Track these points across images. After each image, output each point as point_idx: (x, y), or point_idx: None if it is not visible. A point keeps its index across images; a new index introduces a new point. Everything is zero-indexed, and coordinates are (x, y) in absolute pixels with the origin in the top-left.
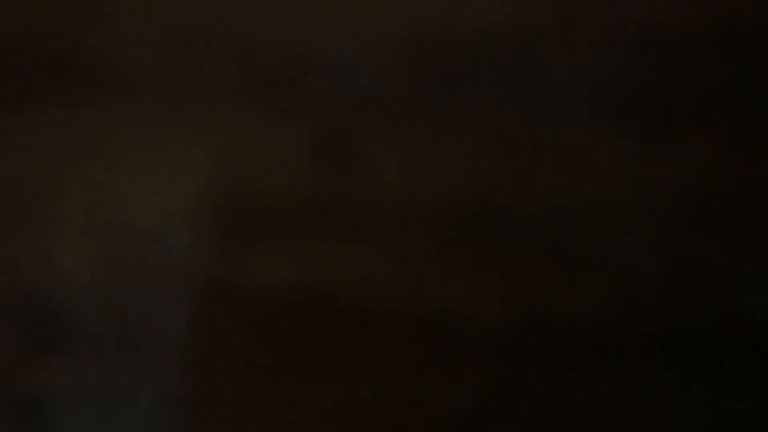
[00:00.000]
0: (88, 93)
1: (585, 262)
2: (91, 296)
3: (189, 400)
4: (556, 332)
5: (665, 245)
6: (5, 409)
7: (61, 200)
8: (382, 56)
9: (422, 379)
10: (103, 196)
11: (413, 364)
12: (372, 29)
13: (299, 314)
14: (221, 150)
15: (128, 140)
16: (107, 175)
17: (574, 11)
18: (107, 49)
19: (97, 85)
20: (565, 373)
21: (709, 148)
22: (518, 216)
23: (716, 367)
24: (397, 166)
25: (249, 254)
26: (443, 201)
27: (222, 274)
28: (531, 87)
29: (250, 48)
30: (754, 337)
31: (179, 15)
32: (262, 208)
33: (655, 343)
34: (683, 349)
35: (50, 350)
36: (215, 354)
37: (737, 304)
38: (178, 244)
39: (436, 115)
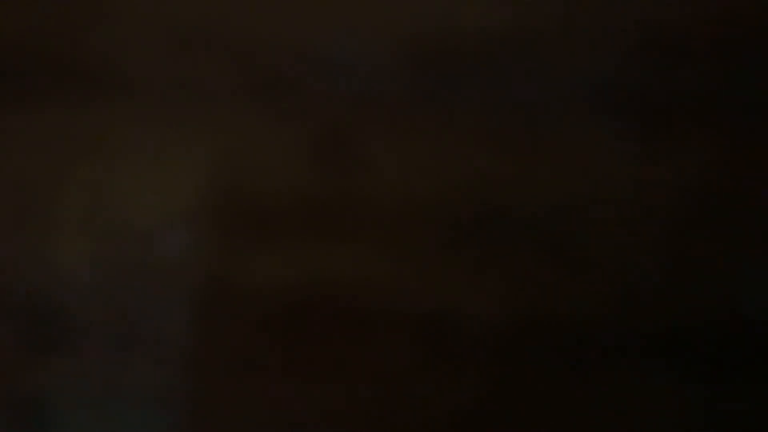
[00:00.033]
0: (88, 93)
1: (585, 262)
2: (91, 296)
3: (189, 400)
4: (556, 332)
5: (665, 245)
6: (5, 409)
7: (61, 200)
8: (382, 56)
9: (422, 379)
10: (103, 196)
11: (413, 364)
12: (372, 29)
13: (299, 314)
14: (221, 150)
15: (128, 140)
16: (107, 175)
17: (574, 11)
18: (107, 49)
19: (97, 85)
20: (565, 373)
21: (709, 148)
22: (518, 216)
23: (716, 367)
24: (397, 166)
25: (249, 254)
26: (443, 201)
27: (222, 274)
28: (531, 87)
29: (250, 48)
30: (754, 337)
31: (179, 15)
32: (262, 208)
33: (655, 343)
34: (683, 349)
35: (50, 350)
36: (215, 354)
37: (737, 304)
38: (178, 244)
39: (436, 115)
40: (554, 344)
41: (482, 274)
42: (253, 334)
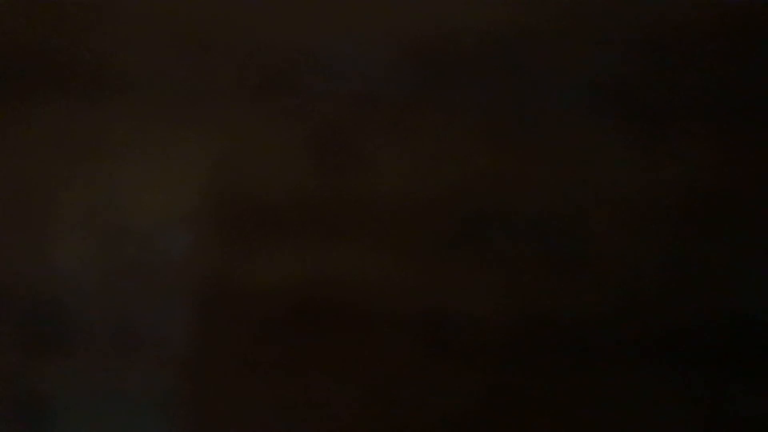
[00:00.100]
0: (88, 93)
1: (585, 263)
2: (91, 296)
3: (189, 400)
4: (556, 332)
5: (665, 245)
6: (5, 409)
7: (61, 200)
8: (382, 56)
9: (422, 379)
10: (103, 196)
11: (413, 364)
12: (372, 29)
13: (299, 314)
14: (221, 150)
15: (128, 140)
16: (107, 175)
17: (574, 11)
18: (107, 49)
19: (97, 85)
20: (565, 373)
21: (709, 148)
22: (518, 215)
23: (716, 367)
24: (397, 166)
25: (249, 254)
26: (443, 201)
27: (222, 273)
28: (531, 87)
29: (250, 48)
30: (754, 337)
31: (179, 15)
32: (262, 208)
33: (655, 343)
34: (683, 350)
35: (50, 350)
36: (216, 354)
37: (737, 305)
38: (179, 244)
39: (436, 115)
40: (554, 344)
41: (482, 274)
42: (253, 333)
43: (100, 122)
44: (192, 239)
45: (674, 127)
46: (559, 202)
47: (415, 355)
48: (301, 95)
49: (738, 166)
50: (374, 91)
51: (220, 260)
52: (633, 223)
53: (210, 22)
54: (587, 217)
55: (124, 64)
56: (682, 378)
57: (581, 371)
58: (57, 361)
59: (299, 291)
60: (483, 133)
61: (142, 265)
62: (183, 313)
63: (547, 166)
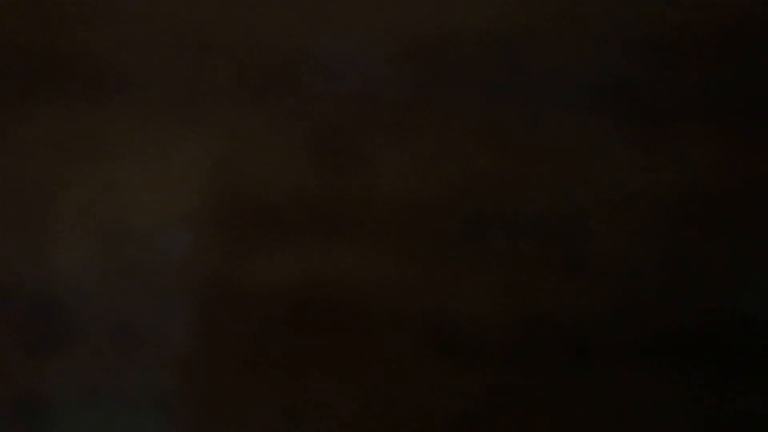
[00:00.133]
0: (88, 93)
1: (585, 263)
2: (91, 296)
3: (189, 400)
4: (556, 332)
5: (665, 245)
6: (5, 409)
7: (61, 200)
8: (382, 56)
9: (422, 379)
10: (103, 196)
11: (413, 364)
12: (372, 29)
13: (299, 314)
14: (221, 150)
15: (128, 140)
16: (107, 175)
17: (574, 11)
18: (107, 49)
19: (97, 85)
20: (565, 373)
21: (709, 148)
22: (518, 215)
23: (716, 367)
24: (397, 166)
25: (249, 254)
26: (443, 201)
27: (222, 273)
28: (531, 87)
29: (250, 48)
30: (754, 337)
31: (179, 15)
32: (262, 208)
33: (655, 344)
34: (683, 349)
35: (50, 350)
36: (215, 354)
37: (737, 305)
38: (178, 244)
39: (436, 115)
40: (554, 344)
41: (482, 274)
42: (253, 333)
43: (100, 122)
44: (192, 239)
45: (674, 127)
46: (559, 202)
47: (415, 355)
48: (301, 95)
49: (738, 166)
50: (374, 91)
51: (220, 260)
52: (633, 223)
53: (210, 22)
54: (587, 217)
55: (124, 64)
56: (682, 378)
57: (581, 371)
58: (57, 361)
59: (299, 291)
60: (483, 133)
61: (142, 265)
62: (183, 313)
63: (547, 166)
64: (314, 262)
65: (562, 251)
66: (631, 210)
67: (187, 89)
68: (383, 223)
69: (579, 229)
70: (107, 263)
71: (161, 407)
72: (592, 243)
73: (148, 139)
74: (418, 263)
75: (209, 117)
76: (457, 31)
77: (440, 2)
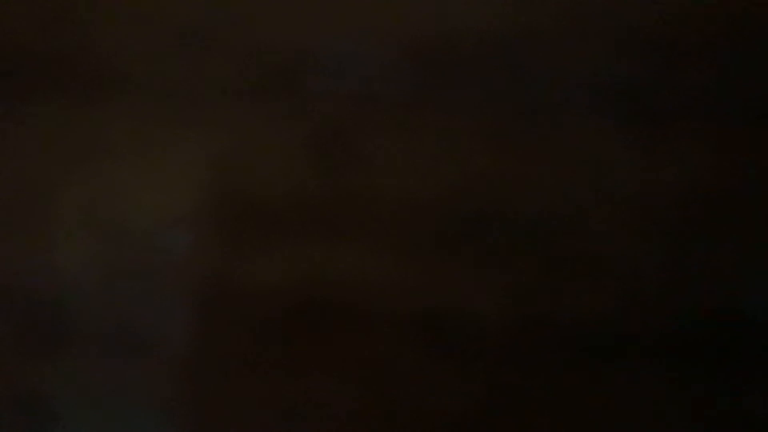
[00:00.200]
0: (88, 93)
1: (585, 263)
2: (91, 296)
3: (189, 400)
4: (556, 332)
5: (665, 245)
6: (5, 409)
7: (61, 200)
8: (382, 56)
9: (422, 379)
10: (103, 196)
11: (413, 364)
12: (372, 29)
13: (299, 314)
14: (221, 150)
15: (128, 140)
16: (107, 175)
17: (574, 11)
18: (107, 49)
19: (97, 85)
20: (565, 373)
21: (709, 148)
22: (518, 215)
23: (716, 367)
24: (397, 165)
25: (249, 254)
26: (443, 200)
27: (222, 273)
28: (531, 87)
29: (250, 48)
30: (754, 337)
31: (179, 15)
32: (262, 208)
33: (655, 343)
34: (683, 349)
35: (50, 350)
36: (215, 354)
37: (737, 305)
38: (179, 244)
39: (436, 115)
40: (554, 344)
41: (482, 274)
42: (253, 333)
43: (100, 122)
44: (192, 239)
45: (674, 128)
46: (559, 202)
47: (415, 355)
48: (301, 95)
49: (738, 166)
50: (374, 91)
51: (220, 260)
52: (633, 223)
53: (210, 22)
54: (587, 217)
55: (124, 64)
56: (682, 378)
57: (581, 371)
58: (57, 361)
59: (299, 291)
60: (483, 133)
61: (142, 265)
62: (183, 313)
63: (547, 166)
64: (314, 262)
65: (562, 251)
66: (631, 210)
67: (187, 89)
68: (383, 223)
69: (579, 229)
70: (107, 263)
71: (161, 407)
72: (592, 243)
73: (148, 139)
74: (418, 263)
75: (209, 117)
76: (457, 31)
77: (440, 2)
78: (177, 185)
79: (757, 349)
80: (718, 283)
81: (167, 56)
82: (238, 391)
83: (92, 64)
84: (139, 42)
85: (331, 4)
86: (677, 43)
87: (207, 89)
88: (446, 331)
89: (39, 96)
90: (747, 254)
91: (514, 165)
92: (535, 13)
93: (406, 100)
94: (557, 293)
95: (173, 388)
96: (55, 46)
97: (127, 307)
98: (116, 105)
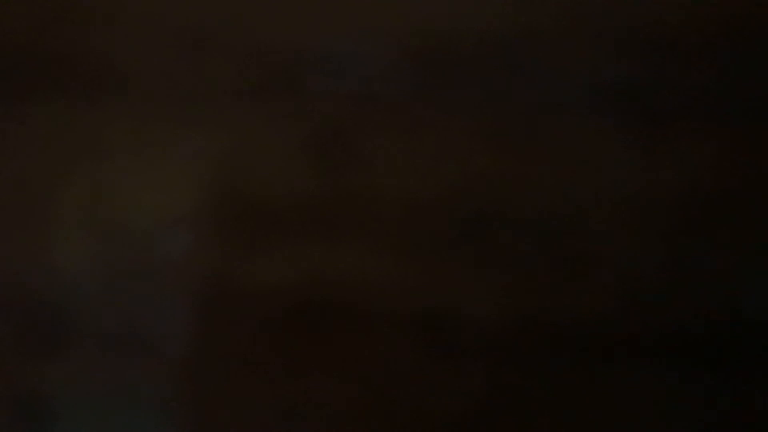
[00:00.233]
0: (88, 93)
1: (585, 262)
2: (91, 296)
3: (189, 400)
4: (556, 332)
5: (665, 245)
6: (5, 408)
7: (61, 200)
8: (382, 56)
9: (422, 379)
10: (103, 196)
11: (413, 364)
12: (372, 29)
13: (299, 314)
14: (221, 150)
15: (128, 140)
16: (107, 175)
17: (574, 11)
18: (107, 49)
19: (97, 85)
20: (565, 372)
21: (710, 148)
22: (518, 216)
23: (716, 367)
24: (397, 166)
25: (249, 254)
26: (443, 201)
27: (222, 274)
28: (531, 87)
29: (250, 48)
30: (754, 337)
31: (179, 15)
32: (262, 208)
33: (655, 344)
34: (683, 350)
35: (50, 350)
36: (215, 354)
37: (737, 305)
38: (179, 244)
39: (436, 114)
40: (554, 344)
41: (482, 274)
42: (253, 334)
43: (100, 122)
44: (192, 239)
45: (674, 128)
46: (559, 202)
47: (415, 355)
48: (301, 95)
49: (738, 166)
50: (374, 91)
51: (220, 260)
52: (633, 223)
53: (210, 22)
54: (587, 217)
55: (124, 64)
56: (682, 378)
57: (581, 371)
58: (57, 361)
59: (299, 291)
60: (483, 133)
61: (142, 265)
62: (183, 313)
63: (547, 166)
64: (314, 262)
65: (562, 251)
66: (631, 210)
67: (187, 89)
68: (383, 223)
69: (579, 229)
70: (107, 264)
71: (161, 407)
72: (592, 243)
73: (148, 139)
74: (418, 263)
75: (209, 117)
76: (457, 31)
77: (440, 2)
78: (177, 185)
79: (757, 349)
80: (718, 283)
81: (167, 56)
82: (238, 391)
83: (92, 64)
84: (139, 42)
85: (331, 4)
86: (677, 43)
87: (207, 89)
88: (446, 331)
89: (39, 96)
90: (747, 254)
91: (514, 165)
92: (535, 13)
93: (406, 100)
94: (557, 293)
95: (173, 388)
96: (55, 46)
97: (127, 306)
98: (116, 105)
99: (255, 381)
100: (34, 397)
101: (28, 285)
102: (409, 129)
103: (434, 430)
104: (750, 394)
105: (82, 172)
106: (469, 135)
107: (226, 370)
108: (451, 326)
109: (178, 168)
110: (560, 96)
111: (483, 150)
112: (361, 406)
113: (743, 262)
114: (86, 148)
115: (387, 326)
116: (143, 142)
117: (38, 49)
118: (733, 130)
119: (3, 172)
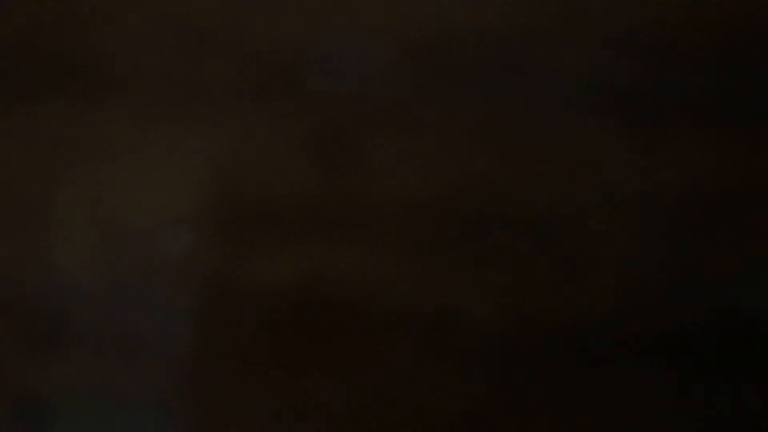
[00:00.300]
0: (88, 93)
1: (585, 262)
2: (91, 296)
3: (189, 400)
4: (557, 332)
5: (665, 245)
6: (5, 408)
7: (61, 200)
8: (382, 56)
9: (422, 379)
10: (103, 196)
11: (413, 364)
12: (372, 29)
13: (300, 314)
14: (221, 150)
15: (128, 140)
16: (107, 175)
17: (574, 11)
18: (107, 49)
19: (97, 85)
20: (565, 372)
21: (709, 149)
22: (518, 216)
23: (716, 367)
24: (397, 166)
25: (249, 254)
26: (443, 201)
27: (222, 274)
28: (531, 87)
29: (250, 48)
30: (754, 337)
31: (179, 15)
32: (262, 208)
33: (655, 344)
34: (683, 350)
35: (50, 350)
36: (216, 354)
37: (737, 305)
38: (179, 244)
39: (435, 115)
40: (554, 344)
41: (482, 274)
42: (253, 334)
43: (100, 122)
44: (192, 239)
45: (674, 128)
46: (559, 202)
47: (415, 355)
48: (301, 95)
49: (738, 167)
50: (374, 91)
51: (220, 260)
52: (633, 223)
53: (210, 22)
54: (587, 217)
55: (124, 64)
56: (681, 378)
57: (581, 371)
58: (57, 361)
59: (299, 291)
60: (483, 133)
61: (142, 264)
62: (183, 313)
63: (547, 166)
64: (314, 262)
65: (562, 251)
66: (631, 210)
67: (187, 89)
68: (383, 224)
69: (579, 229)
70: (107, 264)
71: (161, 407)
72: (592, 243)
73: (148, 139)
74: (418, 263)
75: (209, 117)
76: (457, 31)
77: (440, 2)
78: (177, 185)
79: (757, 349)
80: (718, 283)
81: (167, 56)
82: (238, 391)
83: (92, 64)
84: (139, 42)
85: (331, 4)
86: (677, 43)
87: (207, 89)
88: (446, 331)
89: (39, 96)
90: (747, 254)
91: (514, 165)
92: (535, 13)
93: (406, 100)
94: (557, 293)
95: (173, 388)
96: (55, 46)
97: (127, 306)
98: (116, 105)
99: (255, 381)
100: (34, 397)
101: (28, 285)
102: (409, 129)
103: (434, 430)
104: (750, 394)
105: (82, 172)
106: (469, 135)
107: (226, 370)
108: (451, 326)
109: (178, 168)
110: (560, 96)
111: (483, 150)
112: (361, 406)
113: (743, 262)
114: (86, 148)
115: (387, 326)
116: (143, 142)
117: (38, 49)
118: (733, 130)
119: (3, 172)
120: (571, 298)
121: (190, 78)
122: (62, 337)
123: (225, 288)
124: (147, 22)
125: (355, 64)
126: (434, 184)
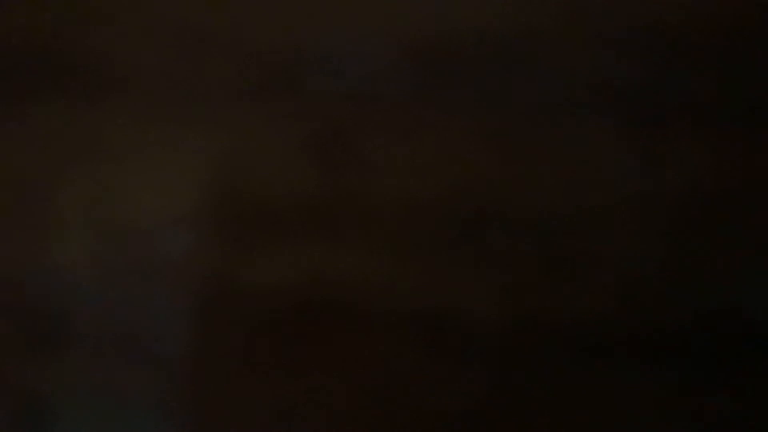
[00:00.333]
0: (88, 93)
1: (585, 263)
2: (91, 296)
3: (189, 400)
4: (556, 332)
5: (665, 246)
6: (5, 408)
7: (61, 200)
8: (382, 56)
9: (422, 379)
10: (103, 195)
11: (413, 364)
12: (372, 30)
13: (300, 314)
14: (221, 150)
15: (128, 140)
16: (107, 175)
17: (574, 11)
18: (107, 49)
19: (97, 85)
20: (565, 373)
21: (709, 149)
22: (518, 216)
23: (716, 367)
24: (397, 166)
25: (249, 254)
26: (443, 201)
27: (222, 273)
28: (531, 87)
29: (250, 48)
30: (754, 337)
31: (179, 15)
32: (262, 208)
33: (655, 344)
34: (683, 350)
35: (50, 350)
36: (216, 354)
37: (737, 305)
38: (179, 244)
39: (435, 115)
40: (554, 344)
41: (482, 274)
42: (253, 334)
43: (100, 122)
44: (192, 239)
45: (674, 128)
46: (559, 202)
47: (415, 355)
48: (301, 95)
49: (738, 167)
50: (374, 91)
51: (220, 260)
52: (633, 223)
53: (210, 22)
54: (587, 217)
55: (124, 64)
56: (681, 378)
57: (581, 371)
58: (57, 361)
59: (299, 291)
60: (483, 133)
61: (143, 265)
62: (183, 313)
63: (547, 166)
64: (314, 262)
65: (562, 251)
66: (631, 210)
67: (187, 89)
68: (383, 224)
69: (579, 229)
70: (107, 264)
71: (161, 407)
72: (592, 243)
73: (148, 139)
74: (418, 263)
75: (209, 117)
76: (457, 31)
77: (440, 2)
78: (177, 185)
79: (757, 349)
80: (718, 283)
81: (167, 56)
82: (238, 391)
83: (92, 64)
84: (139, 42)
85: (331, 4)
86: (677, 43)
87: (207, 89)
88: (446, 331)
89: (39, 96)
90: (747, 254)
91: (514, 165)
92: (535, 13)
93: (406, 100)
94: (557, 293)
95: (173, 388)
96: (55, 46)
97: (126, 306)
98: (116, 105)
99: (255, 381)
100: (34, 397)
101: (28, 285)
102: (409, 129)
103: (434, 430)
104: (750, 394)
105: (82, 172)
106: (469, 135)
107: (226, 370)
108: (450, 326)
109: (178, 168)
110: (560, 96)
111: (483, 150)
112: (361, 406)
113: (743, 262)
114: (86, 148)
115: (387, 326)
116: (143, 142)
117: (38, 49)
118: (733, 130)
119: (3, 172)
120: (571, 298)
121: (190, 78)
122: (62, 337)
123: (225, 288)
124: (147, 22)
125: (355, 64)
126: (434, 184)
